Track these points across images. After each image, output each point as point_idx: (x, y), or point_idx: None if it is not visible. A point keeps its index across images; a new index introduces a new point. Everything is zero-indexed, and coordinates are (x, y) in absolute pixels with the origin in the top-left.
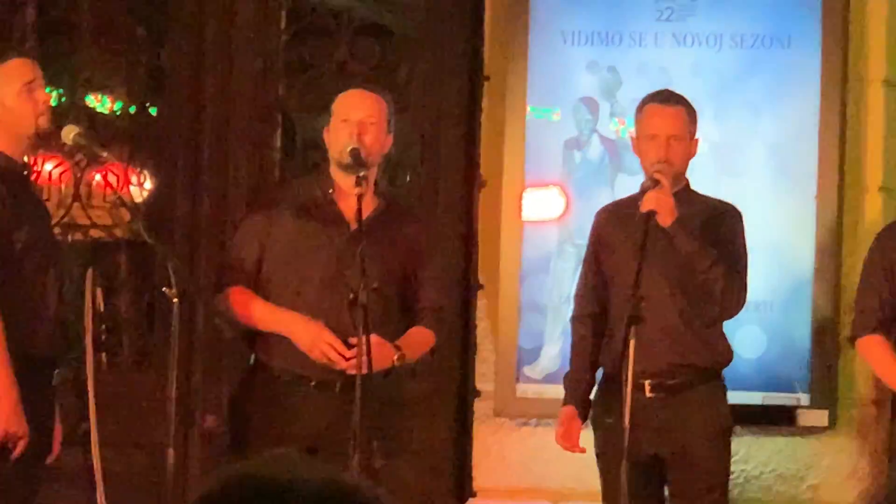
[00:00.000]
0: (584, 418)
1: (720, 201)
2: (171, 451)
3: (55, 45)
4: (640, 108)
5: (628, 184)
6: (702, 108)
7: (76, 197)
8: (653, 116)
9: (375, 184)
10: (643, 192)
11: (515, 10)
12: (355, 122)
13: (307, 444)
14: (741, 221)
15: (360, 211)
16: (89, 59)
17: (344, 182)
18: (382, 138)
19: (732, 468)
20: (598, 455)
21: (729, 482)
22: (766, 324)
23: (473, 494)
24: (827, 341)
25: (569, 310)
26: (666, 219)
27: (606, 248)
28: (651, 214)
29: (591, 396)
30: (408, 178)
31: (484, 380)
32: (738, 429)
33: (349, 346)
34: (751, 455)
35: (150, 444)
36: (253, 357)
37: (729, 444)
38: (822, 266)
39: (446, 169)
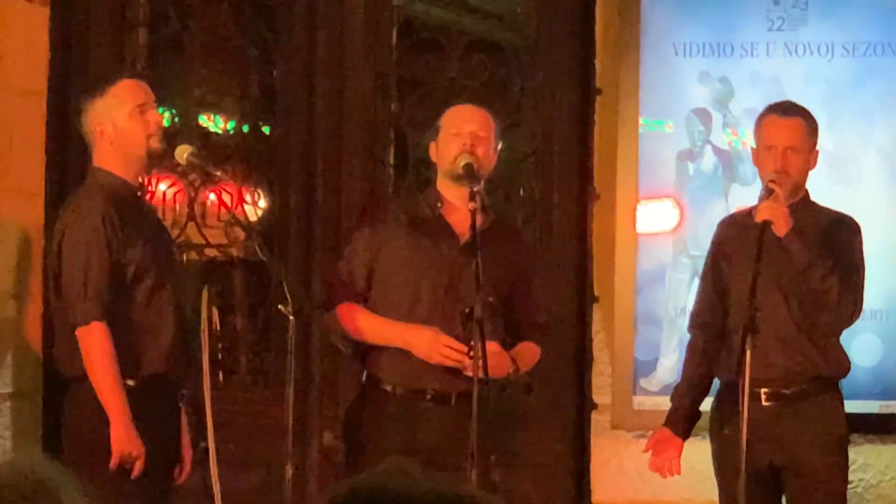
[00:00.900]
0: (685, 436)
1: (838, 213)
2: (288, 469)
3: (167, 66)
4: (759, 119)
5: (742, 194)
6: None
7: (191, 216)
8: (770, 127)
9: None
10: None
11: (626, 22)
12: (467, 133)
13: (424, 457)
14: (859, 233)
15: (474, 225)
16: (201, 79)
17: (452, 195)
18: (491, 153)
19: (850, 477)
20: (715, 466)
21: (847, 492)
22: (883, 332)
23: None
24: None
25: (685, 321)
26: (781, 228)
27: (725, 258)
28: (766, 224)
29: (702, 408)
30: (521, 193)
31: (601, 392)
32: (855, 437)
33: (469, 354)
34: (869, 464)
35: (267, 462)
36: (365, 374)
37: (846, 454)
38: None
39: (560, 183)
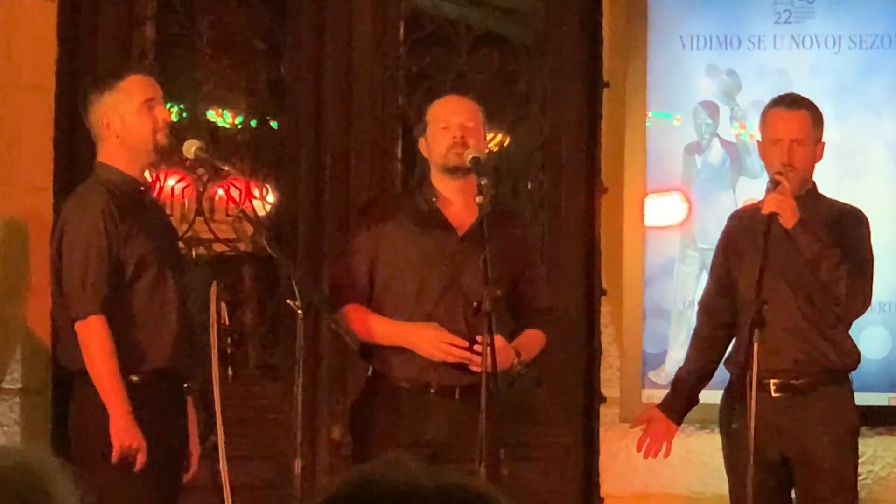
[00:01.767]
0: (678, 422)
1: (846, 204)
2: (298, 463)
3: (175, 61)
4: (764, 113)
5: (750, 187)
6: (821, 110)
7: (199, 211)
8: (776, 120)
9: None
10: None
11: (634, 16)
12: (456, 125)
13: (430, 451)
14: (867, 225)
15: (482, 219)
16: (209, 73)
17: (447, 189)
18: (481, 143)
19: (860, 469)
20: (725, 459)
21: (857, 484)
22: (892, 324)
23: (601, 500)
24: None
25: (693, 314)
26: (788, 220)
27: (735, 251)
28: (773, 216)
29: (711, 401)
30: (529, 186)
31: (609, 386)
32: (864, 430)
33: (472, 349)
34: (878, 456)
35: (276, 456)
36: (371, 368)
37: (856, 446)
38: None
39: (567, 176)
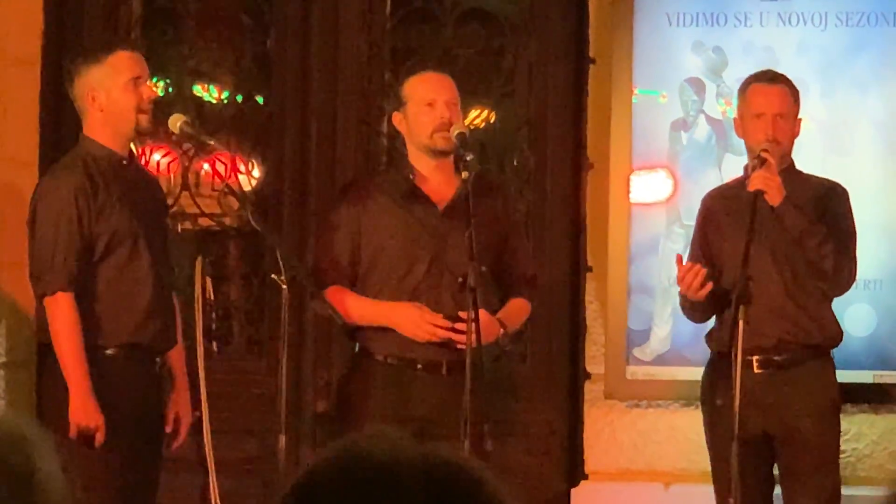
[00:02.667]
0: None
1: (826, 179)
2: (282, 438)
3: (161, 36)
4: (743, 89)
5: (736, 164)
6: (808, 87)
7: (185, 186)
8: (758, 95)
9: (455, 163)
10: (747, 173)
11: None
12: (442, 104)
13: (416, 427)
14: (848, 199)
15: (467, 195)
16: (196, 48)
17: (425, 166)
18: (461, 118)
19: (844, 447)
20: (707, 435)
21: (839, 460)
22: (877, 302)
23: (585, 477)
24: None
25: (677, 291)
26: (775, 198)
27: (715, 230)
28: (759, 194)
29: (693, 378)
30: (515, 163)
31: (594, 362)
32: (848, 407)
33: (455, 327)
34: (862, 433)
35: (261, 431)
36: (357, 345)
37: (838, 422)
38: None
39: (553, 153)
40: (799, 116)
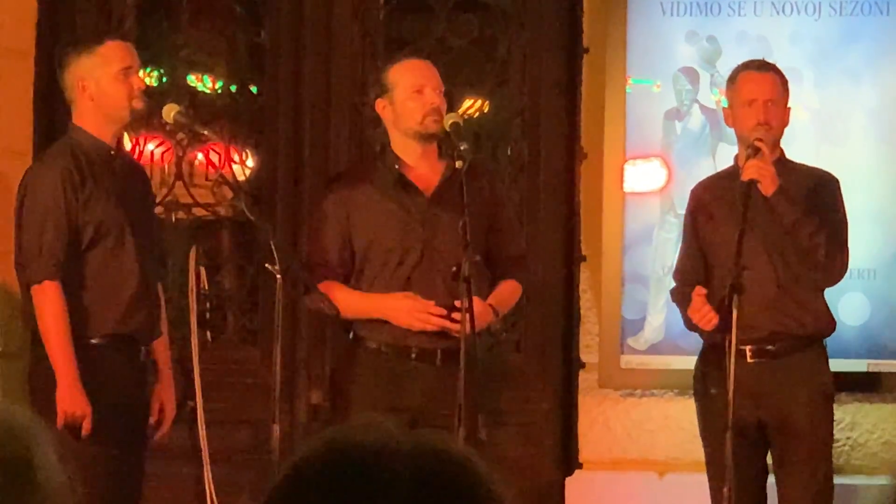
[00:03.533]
0: None
1: (816, 169)
2: (276, 427)
3: (155, 26)
4: (733, 78)
5: (729, 153)
6: (801, 77)
7: (178, 176)
8: (749, 82)
9: (439, 147)
10: (738, 163)
11: None
12: (431, 90)
13: (409, 416)
14: (839, 188)
15: (462, 184)
16: (189, 38)
17: (409, 154)
18: (445, 105)
19: (838, 436)
20: (700, 425)
21: (832, 449)
22: (870, 291)
23: (579, 466)
24: None
25: (671, 280)
26: (768, 187)
27: (706, 220)
28: (753, 183)
29: (686, 367)
30: (508, 152)
31: (588, 351)
32: (842, 396)
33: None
34: (856, 423)
35: (255, 421)
36: (351, 333)
37: (831, 411)
38: None
39: (547, 142)
40: (788, 105)
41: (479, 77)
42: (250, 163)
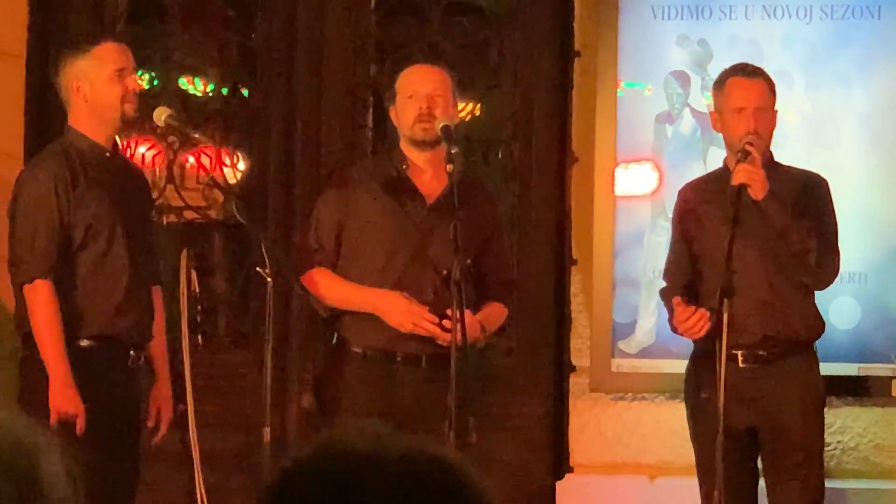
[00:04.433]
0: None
1: (806, 172)
2: (267, 430)
3: (147, 29)
4: (720, 83)
5: (720, 157)
6: (792, 80)
7: (170, 179)
8: (738, 89)
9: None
10: (728, 166)
11: None
12: (423, 95)
13: (397, 419)
14: (829, 191)
15: (452, 187)
16: (181, 42)
17: (416, 158)
18: (451, 111)
19: (829, 439)
20: (691, 429)
21: (824, 453)
22: (861, 295)
23: (570, 470)
24: None
25: (662, 283)
26: (758, 192)
27: (695, 224)
28: (743, 188)
29: (677, 371)
30: (499, 156)
31: (579, 355)
32: (833, 400)
33: (441, 324)
34: (847, 426)
35: (246, 424)
36: (336, 336)
37: (822, 415)
38: None
39: (538, 145)
40: (776, 108)
41: (470, 81)
42: (241, 166)
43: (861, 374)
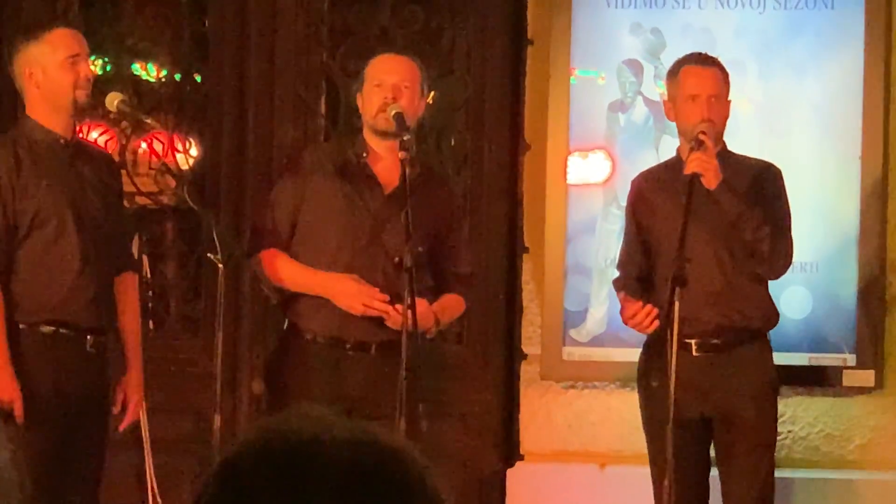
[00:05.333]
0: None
1: (759, 160)
2: (217, 417)
3: (99, 14)
4: (674, 71)
5: (673, 146)
6: (745, 70)
7: (122, 164)
8: (692, 77)
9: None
10: (681, 156)
11: None
12: (389, 85)
13: (346, 406)
14: (782, 179)
15: (404, 175)
16: (134, 27)
17: (378, 146)
18: (417, 102)
19: (779, 429)
20: (643, 417)
21: (776, 442)
22: (812, 284)
23: (521, 458)
24: (873, 301)
25: (614, 272)
26: (711, 181)
27: (648, 213)
28: (696, 177)
29: (629, 359)
30: (452, 143)
31: (530, 343)
32: (784, 390)
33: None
34: (797, 416)
35: (196, 410)
36: (287, 322)
37: (775, 404)
38: (866, 226)
39: (491, 133)
40: (729, 98)
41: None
42: (194, 152)
43: (812, 363)
